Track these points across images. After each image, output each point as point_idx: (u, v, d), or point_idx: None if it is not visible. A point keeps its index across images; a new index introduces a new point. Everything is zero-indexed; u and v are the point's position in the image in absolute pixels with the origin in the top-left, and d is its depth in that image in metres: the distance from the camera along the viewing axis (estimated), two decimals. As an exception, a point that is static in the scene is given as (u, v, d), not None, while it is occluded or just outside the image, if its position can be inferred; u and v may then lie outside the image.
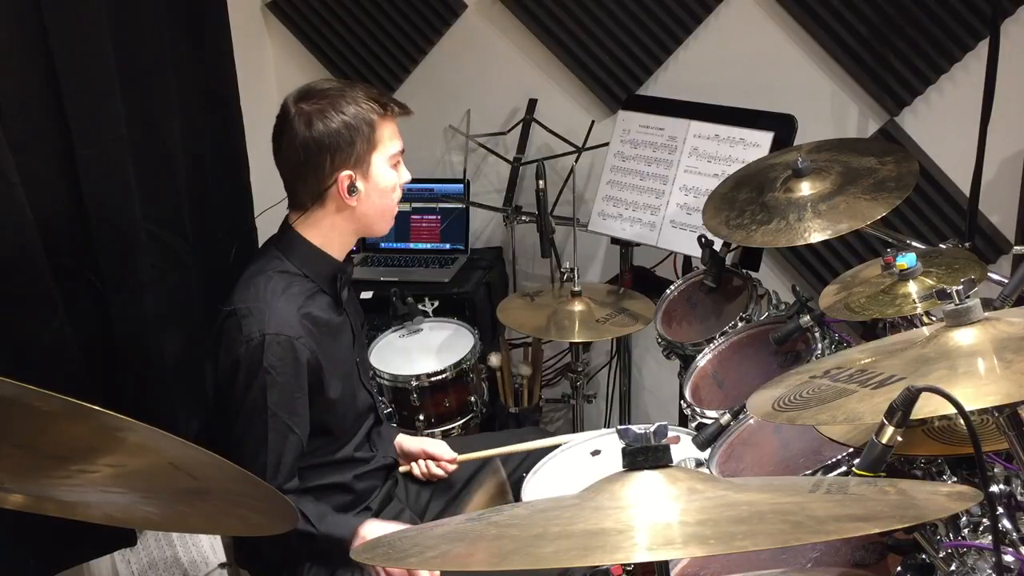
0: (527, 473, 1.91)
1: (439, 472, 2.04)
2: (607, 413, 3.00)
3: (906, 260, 1.54)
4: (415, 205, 3.04)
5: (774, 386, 1.24)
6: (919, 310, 1.50)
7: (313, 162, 1.72)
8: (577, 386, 2.67)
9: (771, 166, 2.05)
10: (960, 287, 1.10)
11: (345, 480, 1.88)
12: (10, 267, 1.67)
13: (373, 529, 1.74)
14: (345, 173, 1.72)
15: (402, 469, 2.06)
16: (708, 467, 1.62)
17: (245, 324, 1.67)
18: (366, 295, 2.73)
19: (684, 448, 1.72)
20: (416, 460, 2.06)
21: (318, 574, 1.81)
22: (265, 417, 1.67)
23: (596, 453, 1.94)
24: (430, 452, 2.04)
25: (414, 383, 2.33)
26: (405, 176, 1.83)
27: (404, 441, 2.08)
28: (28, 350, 1.71)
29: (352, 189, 1.73)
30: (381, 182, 1.76)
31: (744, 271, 2.22)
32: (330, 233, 1.79)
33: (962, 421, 0.92)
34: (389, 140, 1.76)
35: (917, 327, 1.47)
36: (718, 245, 2.18)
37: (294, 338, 1.67)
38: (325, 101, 1.71)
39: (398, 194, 1.82)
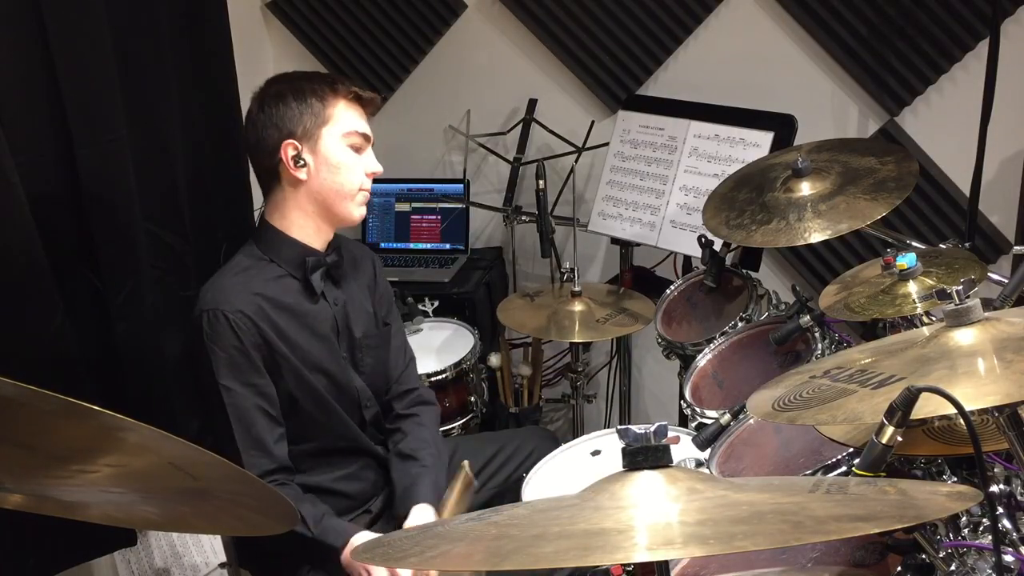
0: (527, 473, 1.91)
1: None
2: (607, 413, 3.00)
3: (906, 260, 1.54)
4: (415, 205, 3.04)
5: (774, 386, 1.24)
6: (919, 310, 1.50)
7: (263, 138, 1.75)
8: (577, 386, 2.67)
9: (771, 166, 2.05)
10: (960, 287, 1.10)
11: (335, 482, 1.87)
12: (10, 267, 1.66)
13: (364, 539, 1.70)
14: (289, 142, 1.73)
15: None
16: (708, 467, 1.62)
17: (196, 306, 1.74)
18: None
19: (684, 448, 1.72)
20: None
21: (319, 574, 1.81)
22: (219, 392, 1.70)
23: (596, 453, 1.94)
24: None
25: (414, 383, 2.33)
26: (372, 165, 1.80)
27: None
28: (28, 350, 1.71)
29: (298, 160, 1.74)
30: (332, 158, 1.75)
31: (744, 271, 2.22)
32: (294, 215, 1.80)
33: (962, 421, 0.92)
34: (345, 119, 1.76)
35: (917, 327, 1.46)
36: (718, 245, 2.18)
37: (228, 311, 1.70)
38: (281, 84, 1.76)
39: (356, 177, 1.78)
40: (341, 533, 1.73)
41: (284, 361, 1.76)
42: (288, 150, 1.74)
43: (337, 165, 1.76)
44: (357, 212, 1.82)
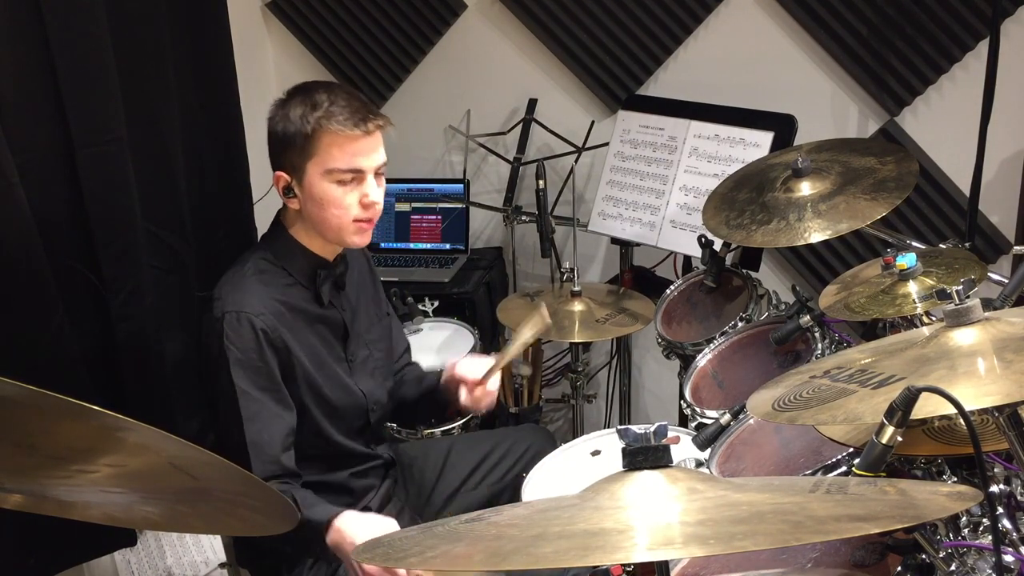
0: (526, 473, 1.91)
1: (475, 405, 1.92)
2: (607, 413, 3.00)
3: (906, 260, 1.54)
4: (415, 205, 3.04)
5: (774, 386, 1.24)
6: (919, 310, 1.50)
7: (270, 152, 1.77)
8: (577, 386, 2.67)
9: (771, 166, 2.05)
10: (960, 287, 1.10)
11: (342, 479, 1.87)
12: (10, 267, 1.66)
13: (348, 518, 1.67)
14: (279, 173, 1.74)
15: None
16: (708, 467, 1.62)
17: (215, 308, 1.71)
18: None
19: (684, 448, 1.72)
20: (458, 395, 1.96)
21: (318, 573, 1.82)
22: (235, 396, 1.68)
23: (596, 453, 1.94)
24: (461, 377, 1.93)
25: (414, 383, 2.33)
26: (369, 195, 1.72)
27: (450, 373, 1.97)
28: (28, 350, 1.71)
29: (288, 191, 1.74)
30: (316, 193, 1.71)
31: (744, 271, 2.22)
32: (303, 227, 1.79)
33: (962, 421, 0.92)
34: (331, 154, 1.68)
35: (917, 327, 1.46)
36: (718, 245, 2.18)
37: (252, 315, 1.68)
38: (289, 99, 1.74)
39: (344, 212, 1.72)
40: (324, 512, 1.69)
41: (299, 366, 1.76)
42: (280, 182, 1.74)
43: (321, 201, 1.71)
44: (353, 240, 1.77)
